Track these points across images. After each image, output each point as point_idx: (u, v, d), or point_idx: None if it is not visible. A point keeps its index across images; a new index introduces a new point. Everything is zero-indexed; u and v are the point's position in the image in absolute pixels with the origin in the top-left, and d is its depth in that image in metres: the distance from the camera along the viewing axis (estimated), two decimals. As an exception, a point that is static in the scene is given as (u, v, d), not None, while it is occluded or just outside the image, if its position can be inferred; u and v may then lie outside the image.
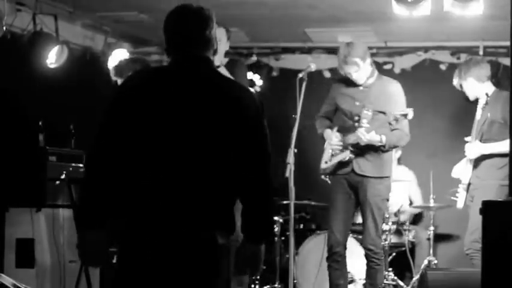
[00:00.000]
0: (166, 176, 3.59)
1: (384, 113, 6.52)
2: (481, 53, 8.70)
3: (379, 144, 6.50)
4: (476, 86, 6.92)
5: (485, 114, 6.79)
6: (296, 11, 7.99)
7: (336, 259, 6.66)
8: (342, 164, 6.64)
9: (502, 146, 6.56)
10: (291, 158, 6.20)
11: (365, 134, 6.40)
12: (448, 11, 6.53)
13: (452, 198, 7.14)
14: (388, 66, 9.49)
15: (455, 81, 7.08)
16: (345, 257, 6.68)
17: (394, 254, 8.40)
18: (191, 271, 3.63)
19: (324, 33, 8.93)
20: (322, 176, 6.87)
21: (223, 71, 6.36)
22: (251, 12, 8.03)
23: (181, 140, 3.60)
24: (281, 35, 9.22)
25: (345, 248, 6.68)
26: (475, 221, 6.46)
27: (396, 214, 8.44)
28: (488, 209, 3.86)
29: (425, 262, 8.10)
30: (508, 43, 3.98)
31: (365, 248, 6.67)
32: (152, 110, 3.61)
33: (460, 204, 6.96)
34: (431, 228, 8.28)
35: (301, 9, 7.88)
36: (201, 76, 3.73)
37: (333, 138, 6.69)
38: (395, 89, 6.69)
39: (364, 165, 6.57)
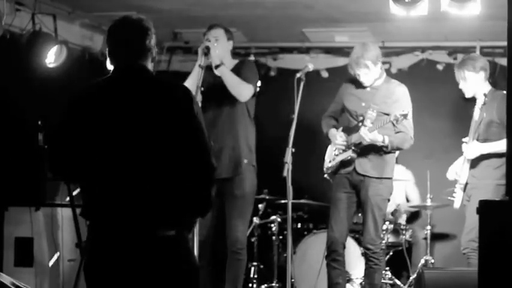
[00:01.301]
0: (111, 178, 3.84)
1: (388, 114, 6.55)
2: (477, 53, 8.72)
3: (382, 144, 6.53)
4: (482, 81, 6.92)
5: (482, 114, 6.81)
6: (293, 11, 8.01)
7: (335, 258, 6.68)
8: (344, 164, 6.68)
9: (500, 146, 6.58)
10: (288, 158, 6.22)
11: (367, 134, 6.43)
12: (445, 11, 6.54)
13: (448, 198, 7.17)
14: (385, 66, 9.49)
15: (463, 74, 6.96)
16: (343, 256, 6.71)
17: (391, 253, 8.42)
18: (141, 267, 3.82)
19: (322, 33, 8.95)
20: (325, 175, 6.91)
21: (225, 69, 6.42)
22: (249, 13, 8.05)
23: (123, 144, 3.84)
24: (279, 35, 9.24)
25: (344, 247, 6.71)
26: (472, 220, 6.49)
27: (393, 213, 8.46)
28: (485, 208, 3.88)
29: (422, 261, 8.12)
30: (505, 43, 4.00)
31: (364, 247, 6.70)
32: (96, 119, 3.87)
33: (456, 204, 6.98)
34: (428, 227, 8.30)
35: (299, 9, 7.90)
36: (138, 84, 3.94)
37: (337, 137, 6.73)
38: (402, 93, 6.73)
39: (365, 165, 6.61)
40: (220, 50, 6.52)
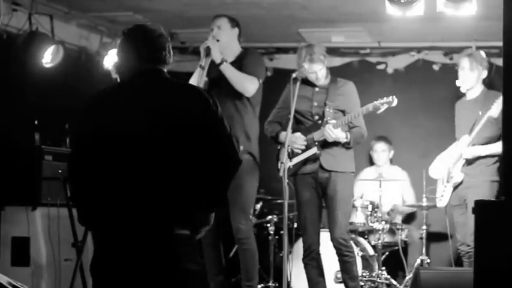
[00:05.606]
0: (128, 181, 3.88)
1: (342, 111, 6.59)
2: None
3: (345, 140, 6.56)
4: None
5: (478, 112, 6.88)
6: (290, 12, 8.03)
7: (314, 257, 6.71)
8: (307, 163, 6.67)
9: (495, 148, 6.68)
10: (285, 157, 6.22)
11: (333, 130, 6.47)
12: (441, 12, 6.56)
13: (432, 197, 7.22)
14: (381, 67, 9.54)
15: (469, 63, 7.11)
16: (320, 255, 6.73)
17: (387, 253, 8.44)
18: (152, 263, 3.87)
19: (318, 34, 8.96)
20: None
21: (227, 67, 6.49)
22: (245, 13, 8.05)
23: (141, 144, 3.89)
24: (275, 35, 9.25)
25: (319, 245, 6.74)
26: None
27: (389, 213, 8.47)
28: (481, 208, 3.89)
29: (418, 261, 8.13)
30: (500, 43, 4.01)
31: (337, 242, 6.63)
32: (113, 121, 3.94)
33: (443, 203, 7.04)
34: (424, 227, 8.31)
35: (295, 9, 7.92)
36: (154, 87, 4.03)
37: (297, 138, 6.68)
38: (352, 89, 6.77)
39: (331, 161, 6.61)
40: (224, 38, 6.64)
